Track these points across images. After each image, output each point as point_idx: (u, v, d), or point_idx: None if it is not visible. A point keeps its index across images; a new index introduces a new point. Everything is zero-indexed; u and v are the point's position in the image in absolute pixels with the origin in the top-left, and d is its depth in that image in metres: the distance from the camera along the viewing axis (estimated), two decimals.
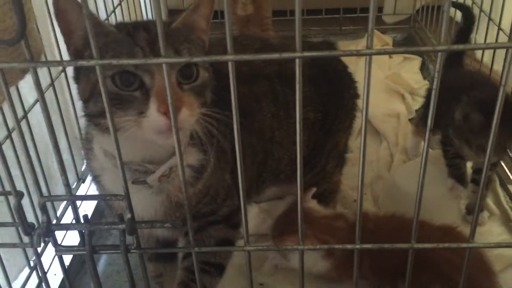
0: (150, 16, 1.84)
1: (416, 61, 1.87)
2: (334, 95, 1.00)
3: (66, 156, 1.13)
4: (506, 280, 0.97)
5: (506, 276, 0.99)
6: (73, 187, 1.14)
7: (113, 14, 1.38)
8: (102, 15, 1.31)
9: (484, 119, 0.95)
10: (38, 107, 0.96)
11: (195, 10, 0.66)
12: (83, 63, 0.50)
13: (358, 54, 0.51)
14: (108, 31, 0.62)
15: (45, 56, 0.82)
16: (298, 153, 0.56)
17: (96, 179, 0.74)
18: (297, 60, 0.50)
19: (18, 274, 0.93)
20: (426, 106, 1.24)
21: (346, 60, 1.12)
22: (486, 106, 0.93)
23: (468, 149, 1.05)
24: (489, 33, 1.33)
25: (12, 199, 0.65)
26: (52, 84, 1.00)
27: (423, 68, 1.85)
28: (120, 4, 1.45)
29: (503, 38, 1.24)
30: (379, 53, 0.50)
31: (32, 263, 0.93)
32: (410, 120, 1.56)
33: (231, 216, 0.82)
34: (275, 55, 0.51)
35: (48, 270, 0.99)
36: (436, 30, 1.80)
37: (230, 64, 0.50)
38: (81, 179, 1.15)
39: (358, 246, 0.63)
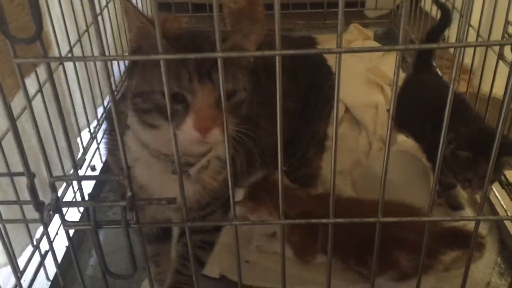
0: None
1: (394, 55, 1.95)
2: (313, 87, 1.08)
3: (63, 143, 1.20)
4: None
5: None
6: (71, 172, 1.21)
7: (105, 9, 1.44)
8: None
9: (472, 157, 1.01)
10: (38, 98, 1.03)
11: (246, 36, 0.71)
12: (91, 58, 0.58)
13: (329, 52, 0.59)
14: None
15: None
16: (279, 139, 0.64)
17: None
18: (277, 57, 0.58)
19: (21, 253, 1.00)
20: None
21: (329, 56, 1.20)
22: (474, 143, 1.01)
23: (453, 179, 1.10)
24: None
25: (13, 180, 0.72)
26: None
27: (403, 61, 1.94)
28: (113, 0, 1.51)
29: (472, 36, 1.33)
30: (347, 51, 0.58)
31: (35, 242, 1.01)
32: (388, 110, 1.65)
33: (226, 202, 0.89)
34: (258, 53, 0.59)
35: (48, 250, 1.07)
36: (415, 25, 1.89)
37: (219, 60, 0.58)
38: (78, 165, 1.22)
39: (332, 220, 0.71)
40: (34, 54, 0.67)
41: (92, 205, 0.67)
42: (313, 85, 1.08)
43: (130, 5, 0.67)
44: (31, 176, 0.68)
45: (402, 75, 1.84)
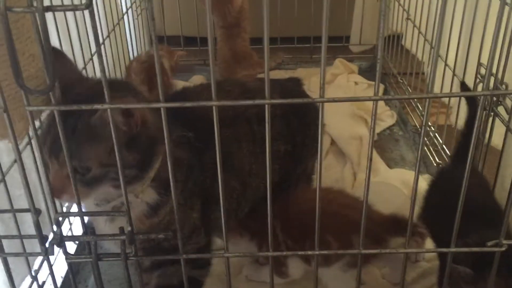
0: (134, 47, 1.97)
1: (380, 89, 2.04)
2: (302, 128, 1.14)
3: None
4: None
5: None
6: (67, 205, 1.26)
7: (102, 46, 1.51)
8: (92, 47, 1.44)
9: (474, 274, 0.86)
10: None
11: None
12: (98, 106, 0.64)
13: (313, 101, 0.65)
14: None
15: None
16: (268, 180, 0.70)
17: None
18: (266, 106, 0.64)
19: (21, 283, 1.04)
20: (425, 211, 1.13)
21: (314, 87, 1.27)
22: (478, 261, 0.84)
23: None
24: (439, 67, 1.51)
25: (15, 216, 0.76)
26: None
27: (386, 95, 2.03)
28: (108, 36, 1.58)
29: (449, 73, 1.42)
30: (329, 101, 0.65)
31: (33, 273, 1.05)
32: None
33: (205, 248, 0.94)
34: (249, 102, 0.65)
35: (46, 279, 1.11)
36: (396, 59, 1.99)
37: (214, 108, 0.64)
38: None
39: (317, 252, 0.77)
40: (42, 100, 0.73)
41: (93, 239, 0.72)
42: (302, 125, 1.14)
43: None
44: (37, 213, 0.73)
45: (386, 108, 1.93)
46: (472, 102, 1.08)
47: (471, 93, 1.05)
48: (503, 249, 0.75)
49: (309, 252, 0.76)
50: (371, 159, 0.70)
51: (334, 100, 0.66)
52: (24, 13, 0.67)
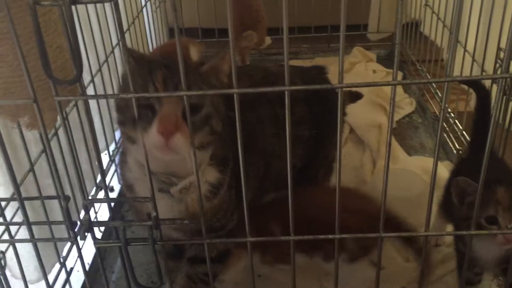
0: (153, 39, 2.00)
1: (398, 76, 2.04)
2: (325, 114, 1.15)
3: (85, 166, 1.29)
4: None
5: None
6: (92, 193, 1.29)
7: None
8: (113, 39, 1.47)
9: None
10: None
11: (223, 58, 0.78)
12: (124, 96, 0.66)
13: (332, 87, 0.67)
14: (145, 61, 0.78)
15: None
16: (289, 166, 0.71)
17: (129, 188, 0.89)
18: (286, 92, 0.66)
19: (51, 269, 1.08)
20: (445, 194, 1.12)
21: (333, 75, 1.27)
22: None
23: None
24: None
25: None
26: (76, 105, 1.16)
27: (409, 89, 2.02)
28: (128, 29, 1.61)
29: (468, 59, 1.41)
30: (348, 86, 0.66)
31: (61, 259, 1.09)
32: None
33: (234, 230, 0.95)
34: (269, 88, 0.67)
35: (74, 266, 1.15)
36: (415, 46, 1.97)
37: (235, 95, 0.66)
38: (99, 187, 1.31)
39: (337, 236, 0.79)
40: (68, 90, 0.76)
41: (122, 225, 0.74)
42: (325, 112, 1.15)
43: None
44: (66, 199, 0.76)
45: (405, 95, 1.92)
46: (479, 89, 1.09)
47: (490, 76, 1.04)
48: None
49: (330, 236, 0.77)
50: (390, 144, 0.71)
51: (352, 86, 0.67)
52: (51, 7, 0.70)
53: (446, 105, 1.70)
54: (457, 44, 1.46)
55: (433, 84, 1.77)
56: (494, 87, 1.22)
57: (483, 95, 1.10)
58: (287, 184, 0.72)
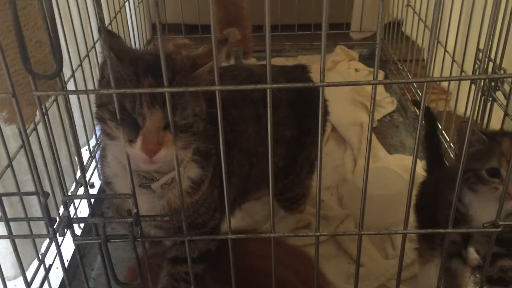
0: (136, 34, 1.98)
1: (380, 75, 2.06)
2: (308, 113, 1.16)
3: (65, 162, 1.27)
4: None
5: None
6: (72, 189, 1.28)
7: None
8: (95, 34, 1.46)
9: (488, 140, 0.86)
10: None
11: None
12: (104, 91, 0.66)
13: (314, 85, 0.67)
14: (130, 56, 0.76)
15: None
16: (270, 166, 0.71)
17: (108, 184, 0.88)
18: (268, 90, 0.66)
19: (29, 266, 1.06)
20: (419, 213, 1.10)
21: (316, 74, 1.28)
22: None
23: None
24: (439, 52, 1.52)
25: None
26: (56, 100, 1.15)
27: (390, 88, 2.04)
28: (110, 23, 1.59)
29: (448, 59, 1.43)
30: (329, 85, 0.67)
31: (40, 256, 1.07)
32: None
33: (216, 229, 0.96)
34: (250, 86, 0.67)
35: (52, 263, 1.13)
36: (397, 46, 2.00)
37: (217, 92, 0.66)
38: (79, 183, 1.29)
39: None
40: (48, 85, 0.75)
41: (102, 221, 0.74)
42: (308, 111, 1.15)
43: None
44: (45, 195, 0.75)
45: (386, 94, 1.94)
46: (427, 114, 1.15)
47: (469, 77, 1.06)
48: (499, 229, 0.77)
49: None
50: (370, 142, 0.72)
51: (334, 84, 0.67)
52: (31, 1, 0.69)
53: (426, 105, 1.72)
54: (437, 45, 1.49)
55: (414, 84, 1.79)
56: (473, 88, 1.24)
57: (430, 120, 1.16)
58: (266, 182, 0.72)
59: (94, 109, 0.79)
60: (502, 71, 1.08)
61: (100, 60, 1.39)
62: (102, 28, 0.66)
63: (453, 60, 1.37)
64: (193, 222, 0.89)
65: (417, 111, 1.76)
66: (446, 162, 1.29)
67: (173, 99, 0.69)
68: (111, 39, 0.74)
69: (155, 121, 0.72)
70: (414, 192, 1.17)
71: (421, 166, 1.49)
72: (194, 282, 0.84)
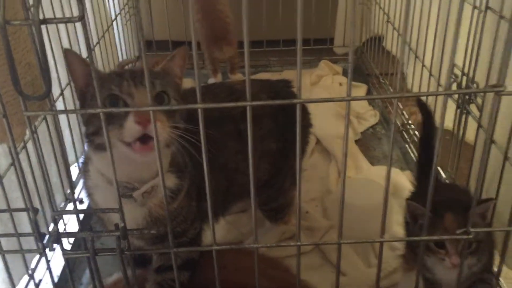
0: (124, 52, 2.02)
1: (363, 88, 2.11)
2: (291, 126, 1.19)
3: (55, 179, 1.30)
4: None
5: None
6: (62, 206, 1.30)
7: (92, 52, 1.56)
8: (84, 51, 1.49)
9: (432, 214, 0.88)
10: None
11: (171, 60, 0.85)
12: (91, 111, 0.69)
13: (291, 102, 0.71)
14: (103, 75, 0.82)
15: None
16: (252, 179, 0.75)
17: (90, 196, 0.92)
18: (248, 107, 0.70)
19: (19, 281, 1.08)
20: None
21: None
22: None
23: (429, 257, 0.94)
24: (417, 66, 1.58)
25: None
26: (45, 118, 1.17)
27: (369, 95, 2.10)
28: (98, 42, 1.63)
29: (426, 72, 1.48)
30: (305, 101, 0.71)
31: (30, 271, 1.09)
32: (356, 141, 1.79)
33: (196, 238, 1.00)
34: (232, 104, 0.70)
35: (42, 278, 1.15)
36: (379, 60, 2.05)
37: (199, 110, 0.69)
38: (68, 199, 1.32)
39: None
40: (38, 105, 0.78)
41: (90, 235, 0.76)
42: (291, 124, 1.19)
43: (73, 53, 0.80)
44: (34, 211, 0.78)
45: (369, 107, 1.99)
46: (426, 114, 1.16)
47: (441, 92, 1.10)
48: (471, 236, 0.81)
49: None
50: (346, 155, 0.76)
51: (310, 101, 0.72)
52: (21, 26, 0.72)
53: (407, 117, 1.78)
54: (415, 60, 1.54)
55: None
56: (449, 101, 1.29)
57: (427, 115, 1.16)
58: (247, 195, 0.76)
59: (84, 134, 0.83)
60: (474, 85, 1.13)
61: None
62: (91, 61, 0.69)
63: (430, 74, 1.42)
64: (173, 231, 0.93)
65: (399, 123, 1.81)
66: (441, 173, 1.33)
67: (151, 76, 0.74)
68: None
69: (143, 97, 0.77)
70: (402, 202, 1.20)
71: (405, 177, 1.54)
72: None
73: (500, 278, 1.05)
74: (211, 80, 2.12)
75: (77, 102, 1.39)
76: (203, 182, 0.75)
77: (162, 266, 0.96)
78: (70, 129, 1.34)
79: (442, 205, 0.92)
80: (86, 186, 0.93)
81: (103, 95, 0.77)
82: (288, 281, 0.99)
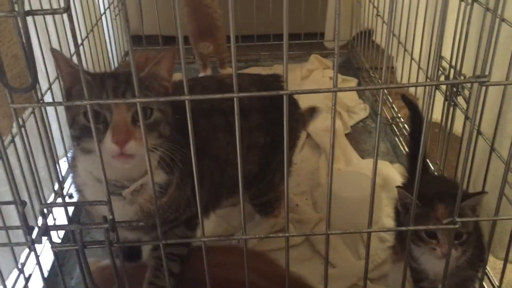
0: (113, 47, 2.01)
1: (353, 82, 2.12)
2: (281, 121, 1.20)
3: (43, 173, 1.29)
4: None
5: None
6: (51, 200, 1.30)
7: (81, 47, 1.55)
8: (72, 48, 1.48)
9: (422, 205, 0.91)
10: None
11: (158, 63, 0.83)
12: (78, 103, 0.69)
13: (278, 94, 0.71)
14: (87, 80, 0.81)
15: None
16: (240, 170, 0.75)
17: (79, 192, 0.92)
18: (235, 99, 0.70)
19: (8, 276, 1.08)
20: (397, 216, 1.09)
21: (291, 82, 1.32)
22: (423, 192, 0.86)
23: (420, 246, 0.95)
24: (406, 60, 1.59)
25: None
26: (33, 112, 1.17)
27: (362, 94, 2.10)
28: (87, 37, 1.62)
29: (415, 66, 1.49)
30: (292, 93, 0.71)
31: (19, 265, 1.09)
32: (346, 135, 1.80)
33: (190, 220, 1.01)
34: (218, 96, 0.71)
35: (32, 272, 1.15)
36: (369, 54, 2.06)
37: (186, 102, 0.69)
38: (57, 194, 1.31)
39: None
40: (25, 98, 0.78)
41: (78, 228, 0.76)
42: (280, 119, 1.20)
43: (59, 55, 0.80)
44: (22, 204, 0.77)
45: (359, 101, 2.00)
46: (412, 107, 1.18)
47: (428, 83, 1.11)
48: (457, 226, 0.82)
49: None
50: (333, 146, 0.77)
51: (297, 92, 0.72)
52: (7, 18, 0.72)
53: (397, 111, 1.79)
54: (404, 53, 1.55)
55: (385, 90, 1.85)
56: (438, 94, 1.30)
57: (413, 109, 1.19)
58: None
59: (69, 130, 0.83)
60: (462, 77, 1.14)
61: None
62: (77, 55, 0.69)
63: (419, 67, 1.43)
64: (166, 219, 0.95)
65: (389, 117, 1.82)
66: (430, 165, 1.35)
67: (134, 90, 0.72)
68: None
69: (121, 113, 0.78)
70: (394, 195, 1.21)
71: (394, 170, 1.55)
72: (179, 260, 0.92)
73: (488, 268, 1.07)
74: (201, 75, 2.12)
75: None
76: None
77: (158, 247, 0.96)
78: (59, 122, 1.33)
79: (434, 196, 0.93)
80: (75, 183, 0.94)
81: (82, 108, 0.78)
82: (276, 274, 0.99)
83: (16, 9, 0.61)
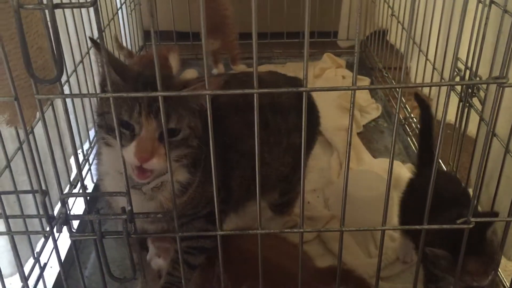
0: (128, 41, 2.03)
1: (366, 82, 2.12)
2: (309, 123, 1.20)
3: (59, 164, 1.31)
4: None
5: None
6: (66, 191, 1.32)
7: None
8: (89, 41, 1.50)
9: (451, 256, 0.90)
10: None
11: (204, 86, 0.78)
12: (102, 95, 0.70)
13: (297, 90, 0.72)
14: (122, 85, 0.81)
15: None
16: (257, 166, 0.76)
17: (100, 181, 0.94)
18: (255, 95, 0.71)
19: (24, 264, 1.10)
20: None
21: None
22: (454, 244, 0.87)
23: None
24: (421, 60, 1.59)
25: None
26: (51, 104, 1.18)
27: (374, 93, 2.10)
28: (104, 31, 1.63)
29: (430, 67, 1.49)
30: (311, 90, 0.72)
31: (35, 254, 1.11)
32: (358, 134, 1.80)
33: (211, 214, 0.99)
34: (239, 91, 0.72)
35: (47, 261, 1.17)
36: (382, 54, 2.06)
37: (207, 96, 0.71)
38: (73, 185, 1.33)
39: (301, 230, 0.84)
40: (46, 90, 0.79)
41: (98, 218, 0.78)
42: (308, 121, 1.19)
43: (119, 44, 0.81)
44: (43, 193, 0.79)
45: (372, 100, 2.00)
46: (424, 106, 1.19)
47: (444, 83, 1.11)
48: (471, 226, 0.83)
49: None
50: (350, 144, 0.77)
51: (315, 89, 0.73)
52: (33, 10, 0.73)
53: (410, 111, 1.79)
54: (419, 54, 1.55)
55: (397, 90, 1.85)
56: (452, 95, 1.30)
57: (424, 108, 1.19)
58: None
59: (95, 117, 0.84)
60: (478, 78, 1.14)
61: (95, 67, 1.44)
62: (102, 47, 0.70)
63: (434, 68, 1.43)
64: (184, 214, 0.95)
65: (402, 118, 1.82)
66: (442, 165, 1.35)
67: (168, 107, 0.75)
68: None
69: (151, 130, 0.79)
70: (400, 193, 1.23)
71: (406, 170, 1.56)
72: (199, 253, 0.96)
73: (499, 270, 1.07)
74: (214, 71, 2.13)
75: (83, 89, 1.42)
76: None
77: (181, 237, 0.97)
78: (75, 115, 1.35)
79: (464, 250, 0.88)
80: (98, 171, 0.95)
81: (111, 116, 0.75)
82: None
83: (45, 2, 0.63)
